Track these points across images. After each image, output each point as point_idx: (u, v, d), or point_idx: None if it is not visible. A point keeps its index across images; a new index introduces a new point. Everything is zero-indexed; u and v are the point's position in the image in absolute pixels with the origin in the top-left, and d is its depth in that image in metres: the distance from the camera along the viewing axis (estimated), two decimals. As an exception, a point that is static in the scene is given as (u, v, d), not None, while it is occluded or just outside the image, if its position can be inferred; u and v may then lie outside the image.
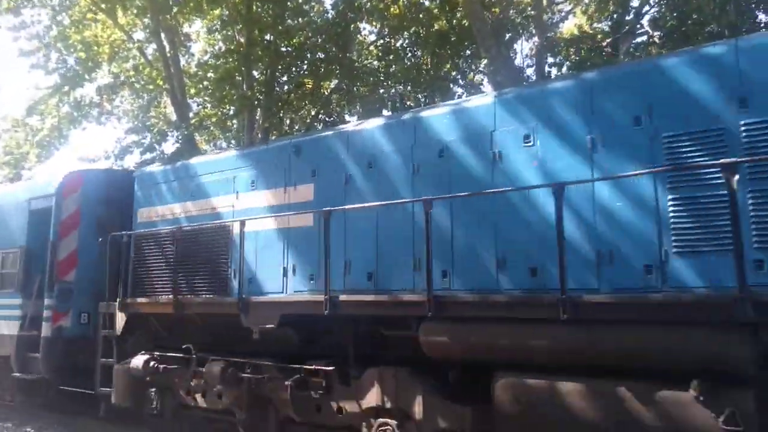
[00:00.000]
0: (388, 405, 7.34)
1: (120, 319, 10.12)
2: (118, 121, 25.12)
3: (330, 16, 21.61)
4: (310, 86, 22.22)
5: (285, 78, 21.86)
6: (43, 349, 11.23)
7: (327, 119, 23.07)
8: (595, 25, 20.41)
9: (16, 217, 12.67)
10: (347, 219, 7.99)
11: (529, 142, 6.87)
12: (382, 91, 22.41)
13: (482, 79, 22.54)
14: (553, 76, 18.22)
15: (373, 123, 8.52)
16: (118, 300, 10.12)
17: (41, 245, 11.81)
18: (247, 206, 9.16)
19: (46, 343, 11.21)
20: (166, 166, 11.01)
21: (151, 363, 9.56)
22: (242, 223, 8.52)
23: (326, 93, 23.02)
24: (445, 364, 7.15)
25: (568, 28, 21.47)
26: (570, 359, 6.11)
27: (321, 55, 21.35)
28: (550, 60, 19.87)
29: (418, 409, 7.08)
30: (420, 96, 21.94)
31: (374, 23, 22.27)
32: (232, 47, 20.74)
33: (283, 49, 20.86)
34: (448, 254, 7.14)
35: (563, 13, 20.96)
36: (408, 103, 21.62)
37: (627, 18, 18.99)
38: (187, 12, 21.37)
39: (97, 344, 10.58)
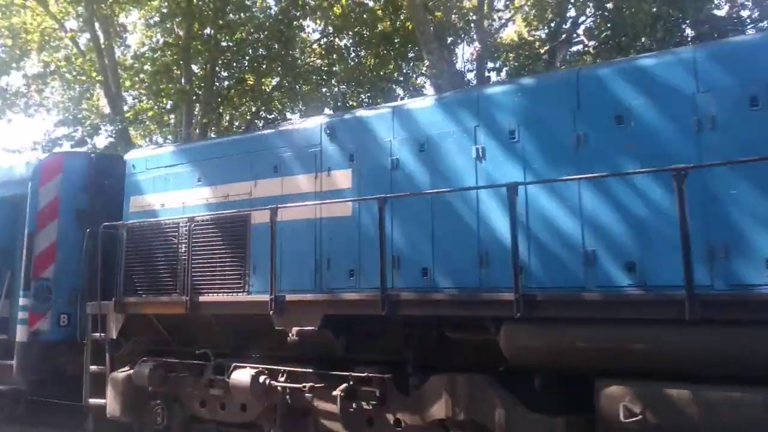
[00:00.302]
0: (461, 417, 6.00)
1: (115, 321, 8.24)
2: (47, 112, 22.37)
3: (273, 12, 19.99)
4: (251, 82, 20.58)
5: (225, 73, 20.20)
6: (18, 356, 9.10)
7: (268, 116, 21.39)
8: (534, 32, 19.81)
9: None
10: (395, 208, 6.64)
11: (622, 124, 5.77)
12: (324, 89, 20.99)
13: (424, 82, 21.55)
14: (492, 81, 17.47)
15: (427, 101, 7.20)
16: (114, 299, 8.27)
17: (11, 238, 9.70)
18: (267, 194, 7.59)
19: (21, 349, 9.08)
20: (167, 148, 9.22)
21: (158, 370, 7.81)
22: (273, 211, 6.91)
23: (267, 90, 21.39)
24: (526, 371, 5.93)
25: (508, 34, 20.81)
26: (697, 365, 5.01)
27: (263, 51, 19.71)
28: (490, 65, 19.13)
29: (498, 421, 5.78)
30: (363, 96, 20.66)
31: (318, 21, 20.80)
32: (171, 40, 18.88)
33: (224, 43, 19.24)
34: (524, 248, 5.89)
35: (503, 20, 20.23)
36: (350, 102, 20.29)
37: (564, 27, 18.50)
38: (123, 2, 19.49)
39: (85, 349, 8.59)
